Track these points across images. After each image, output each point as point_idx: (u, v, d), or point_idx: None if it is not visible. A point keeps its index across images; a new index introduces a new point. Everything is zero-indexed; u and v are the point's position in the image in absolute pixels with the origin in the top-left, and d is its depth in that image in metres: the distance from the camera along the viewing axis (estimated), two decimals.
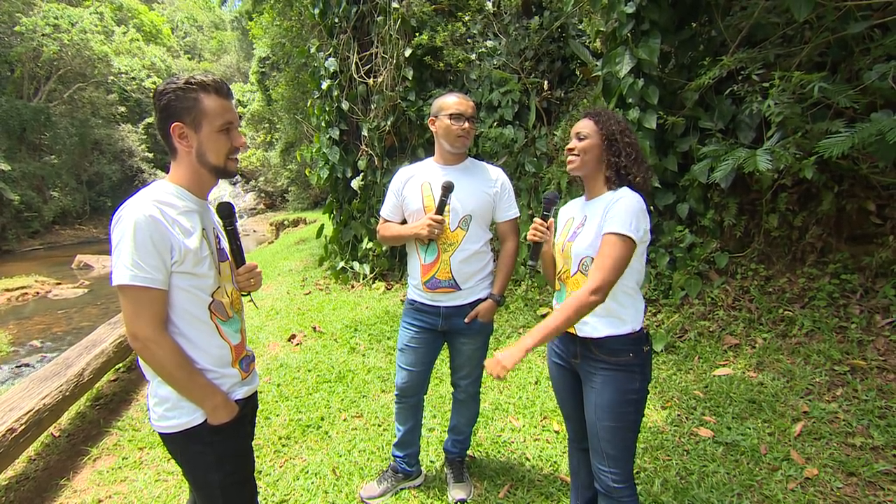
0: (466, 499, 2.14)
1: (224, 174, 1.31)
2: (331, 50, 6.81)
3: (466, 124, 1.89)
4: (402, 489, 2.22)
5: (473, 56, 5.79)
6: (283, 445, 2.69)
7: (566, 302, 1.41)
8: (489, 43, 5.84)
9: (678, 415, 2.70)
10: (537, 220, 1.63)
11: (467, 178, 1.97)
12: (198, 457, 1.27)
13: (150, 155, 25.02)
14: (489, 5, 5.76)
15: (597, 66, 3.96)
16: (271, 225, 17.63)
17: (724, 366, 3.11)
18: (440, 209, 1.89)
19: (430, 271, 1.97)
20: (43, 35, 18.36)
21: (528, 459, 2.41)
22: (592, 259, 1.49)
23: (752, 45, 3.28)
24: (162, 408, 1.26)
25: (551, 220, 1.66)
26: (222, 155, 1.28)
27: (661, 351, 3.34)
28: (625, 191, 1.49)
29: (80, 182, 21.60)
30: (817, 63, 3.06)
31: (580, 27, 5.53)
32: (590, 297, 1.38)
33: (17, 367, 5.66)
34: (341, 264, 6.82)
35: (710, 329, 3.40)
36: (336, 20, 6.66)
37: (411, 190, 2.01)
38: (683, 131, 3.68)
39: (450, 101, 1.91)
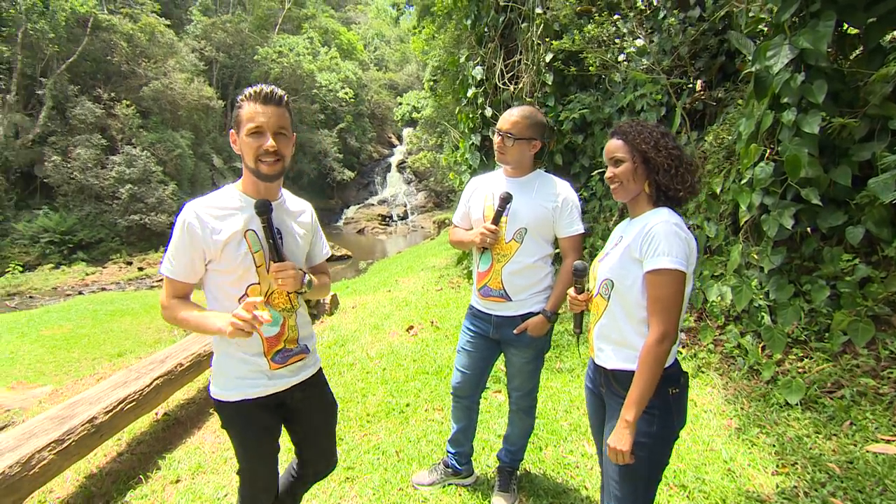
0: None
1: (258, 175, 1.41)
2: (479, 59, 7.12)
3: (497, 138, 1.91)
4: (450, 484, 2.31)
5: (622, 57, 5.44)
6: (368, 422, 3.02)
7: (641, 358, 1.32)
8: (639, 42, 5.42)
9: (795, 486, 2.21)
10: (571, 293, 1.56)
11: (528, 190, 1.95)
12: (223, 420, 1.55)
13: (341, 156, 29.09)
14: (640, 2, 5.33)
15: (750, 60, 3.37)
16: (434, 222, 19.24)
17: (888, 441, 2.41)
18: (496, 219, 1.92)
19: (484, 279, 2.02)
20: (271, 60, 23.08)
21: (585, 488, 2.26)
22: (613, 283, 1.38)
23: None
24: (212, 377, 1.55)
25: (586, 293, 1.54)
26: (252, 157, 1.38)
27: (796, 405, 2.74)
28: (655, 216, 1.34)
29: (287, 178, 26.19)
30: None
31: (751, 15, 4.74)
32: (660, 348, 1.29)
33: None
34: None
35: (879, 391, 2.65)
36: (485, 29, 6.93)
37: (476, 199, 2.08)
38: (866, 135, 2.92)
39: None
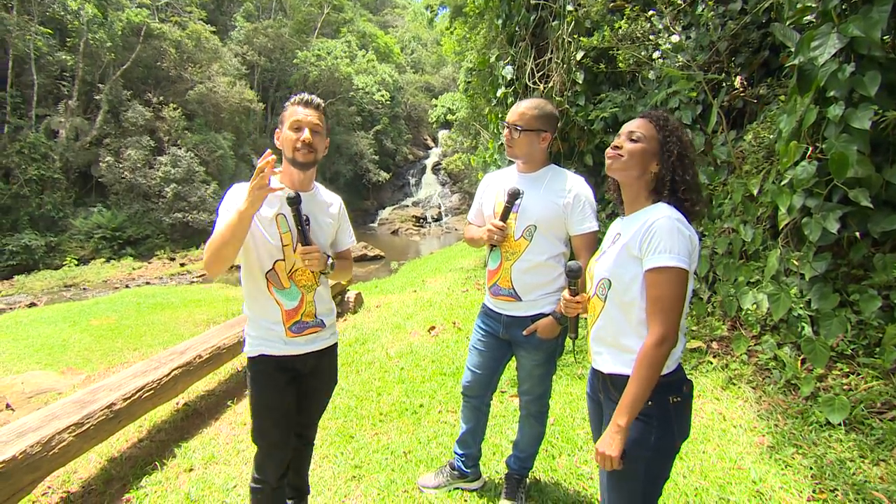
0: None
1: (294, 164, 1.67)
2: (509, 58, 7.02)
3: (506, 131, 1.82)
4: (456, 488, 2.24)
5: (656, 54, 5.23)
6: (380, 421, 2.99)
7: (637, 361, 1.22)
8: (675, 38, 5.18)
9: None
10: (566, 295, 1.47)
11: (538, 186, 1.87)
12: (248, 376, 1.76)
13: (376, 158, 29.37)
14: None
15: (792, 52, 3.14)
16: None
17: None
18: (504, 215, 1.85)
19: (494, 277, 1.96)
20: (310, 64, 23.69)
21: (598, 501, 2.15)
22: (610, 282, 1.28)
23: None
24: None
25: (583, 294, 1.45)
26: (290, 148, 1.64)
27: (839, 425, 2.51)
28: (656, 210, 1.24)
29: (325, 179, 27.02)
30: None
31: (798, 6, 4.45)
32: (658, 351, 1.19)
33: None
34: None
35: None
36: (516, 28, 6.84)
37: (488, 195, 2.02)
38: None
39: None
